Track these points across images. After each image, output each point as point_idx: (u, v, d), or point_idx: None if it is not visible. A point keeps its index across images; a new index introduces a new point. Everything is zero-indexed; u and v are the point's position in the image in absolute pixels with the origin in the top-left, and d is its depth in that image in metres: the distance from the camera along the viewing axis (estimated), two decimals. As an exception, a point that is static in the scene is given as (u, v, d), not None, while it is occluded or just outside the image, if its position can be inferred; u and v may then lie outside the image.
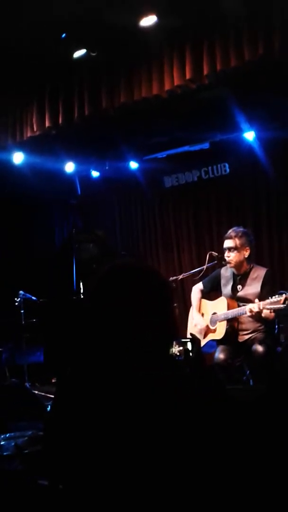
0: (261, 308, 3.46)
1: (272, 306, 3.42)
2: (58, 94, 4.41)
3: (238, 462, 1.07)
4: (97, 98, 4.19)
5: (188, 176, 5.98)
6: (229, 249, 3.74)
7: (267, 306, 3.44)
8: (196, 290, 4.10)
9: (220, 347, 3.75)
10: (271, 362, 3.43)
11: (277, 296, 3.41)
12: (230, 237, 3.76)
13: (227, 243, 3.76)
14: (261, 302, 3.48)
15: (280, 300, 3.37)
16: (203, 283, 4.09)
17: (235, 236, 3.74)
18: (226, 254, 3.76)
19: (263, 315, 3.52)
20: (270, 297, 3.46)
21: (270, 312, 3.47)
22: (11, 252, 6.33)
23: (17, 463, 1.89)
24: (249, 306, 3.52)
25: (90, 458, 1.09)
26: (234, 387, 3.29)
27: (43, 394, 4.49)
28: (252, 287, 3.71)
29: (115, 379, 1.11)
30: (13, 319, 5.20)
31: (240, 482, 1.06)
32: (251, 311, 3.49)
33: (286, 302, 3.34)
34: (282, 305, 3.36)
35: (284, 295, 3.37)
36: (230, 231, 3.82)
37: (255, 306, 3.48)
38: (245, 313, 3.56)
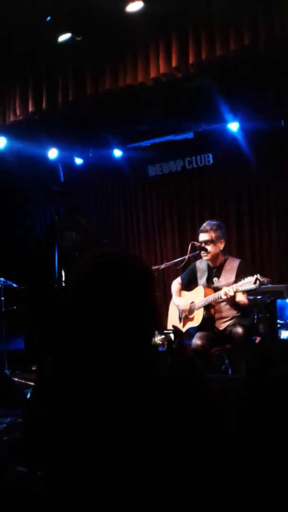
0: (235, 290, 3.52)
1: (244, 288, 3.50)
2: (42, 78, 4.34)
3: (221, 454, 1.08)
4: (82, 84, 4.14)
5: (172, 165, 5.99)
6: (205, 242, 3.79)
7: (240, 288, 3.51)
8: (175, 283, 4.18)
9: (197, 334, 3.80)
10: (250, 343, 3.50)
11: (249, 277, 3.48)
12: (205, 231, 3.81)
13: (203, 237, 3.81)
14: (235, 285, 3.54)
15: (251, 280, 3.45)
16: (181, 277, 4.16)
17: (211, 230, 3.80)
18: (203, 247, 3.80)
19: (237, 299, 3.58)
20: (242, 279, 3.52)
21: (243, 293, 3.54)
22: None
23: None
24: (224, 289, 3.58)
25: (69, 446, 1.09)
26: (213, 376, 3.33)
27: (23, 381, 4.48)
28: (227, 278, 3.78)
29: (96, 368, 1.11)
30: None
31: (223, 474, 1.08)
32: (226, 294, 3.55)
33: (257, 282, 3.41)
34: (253, 285, 3.44)
35: (255, 276, 3.44)
36: (204, 224, 3.87)
37: (229, 289, 3.54)
38: (221, 297, 3.61)
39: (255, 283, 3.43)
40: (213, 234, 3.78)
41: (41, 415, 1.19)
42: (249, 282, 3.47)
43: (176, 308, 4.09)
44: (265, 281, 3.47)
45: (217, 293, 3.69)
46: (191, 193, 5.94)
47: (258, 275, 3.47)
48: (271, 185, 5.42)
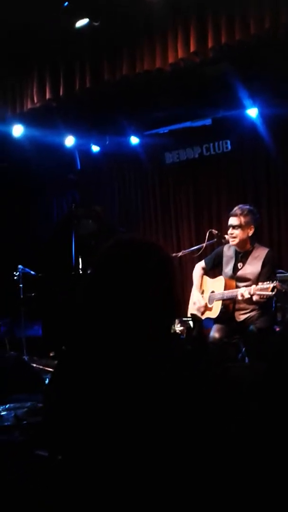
0: (251, 293, 3.47)
1: (261, 293, 3.42)
2: (59, 65, 4.31)
3: (218, 453, 1.08)
4: (99, 70, 4.11)
5: (189, 152, 5.93)
6: (233, 226, 3.70)
7: (257, 292, 3.44)
8: (198, 268, 4.09)
9: (215, 326, 3.77)
10: (268, 342, 3.45)
11: (267, 282, 3.42)
12: (235, 215, 3.72)
13: (232, 221, 3.72)
14: (253, 287, 3.48)
15: (269, 287, 3.38)
16: (205, 260, 4.09)
17: (240, 214, 3.69)
18: (230, 231, 3.73)
19: (254, 299, 3.52)
20: (263, 282, 3.46)
21: (260, 297, 3.47)
22: (10, 226, 6.31)
23: (17, 434, 1.92)
24: (240, 291, 3.53)
25: (89, 430, 1.10)
26: (231, 364, 3.32)
27: (41, 367, 4.54)
28: (253, 266, 3.70)
29: (115, 355, 1.11)
30: (11, 293, 5.21)
31: (243, 462, 1.07)
32: (242, 295, 3.51)
33: (274, 290, 3.35)
34: (270, 293, 3.37)
35: (274, 282, 3.38)
36: (236, 208, 3.76)
37: (246, 292, 3.49)
38: (237, 297, 3.57)
39: (272, 290, 3.36)
40: (242, 219, 3.67)
41: (62, 400, 1.20)
42: (266, 288, 3.38)
43: (195, 295, 4.07)
44: (283, 290, 3.40)
45: (234, 291, 3.64)
46: (208, 180, 5.89)
47: (276, 282, 3.40)
48: (290, 172, 5.34)
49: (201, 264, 4.09)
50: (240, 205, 3.79)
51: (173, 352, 1.18)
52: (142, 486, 1.02)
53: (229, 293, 3.68)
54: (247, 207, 3.79)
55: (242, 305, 3.70)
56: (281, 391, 1.21)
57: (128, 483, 1.03)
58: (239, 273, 3.75)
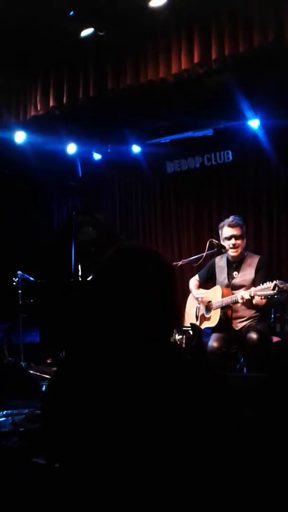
0: (252, 295, 3.50)
1: (263, 293, 3.46)
2: (63, 73, 4.35)
3: (218, 453, 1.08)
4: (103, 79, 4.14)
5: (191, 162, 5.96)
6: (236, 237, 3.77)
7: (258, 293, 3.47)
8: (193, 281, 4.15)
9: (214, 336, 3.78)
10: (265, 349, 3.46)
11: (268, 283, 3.44)
12: (237, 225, 3.80)
13: (235, 231, 3.78)
14: (253, 289, 3.51)
15: (270, 286, 3.41)
16: (198, 275, 4.14)
17: (238, 225, 3.80)
18: (233, 241, 3.77)
19: (254, 301, 3.56)
20: (261, 284, 3.49)
21: (262, 298, 3.50)
22: (10, 232, 6.31)
23: (15, 440, 1.91)
24: (241, 293, 3.57)
25: (88, 436, 1.10)
26: (230, 374, 3.31)
27: (38, 374, 4.52)
28: (247, 273, 3.76)
29: (114, 362, 1.11)
30: (10, 299, 5.20)
31: (243, 462, 1.07)
32: (242, 298, 3.54)
33: (276, 288, 3.37)
34: (272, 292, 3.40)
35: (274, 282, 3.40)
36: (232, 219, 3.83)
37: (246, 294, 3.52)
38: (237, 301, 3.60)
39: (273, 289, 3.39)
40: (242, 229, 3.81)
41: (61, 408, 1.19)
42: (267, 288, 3.42)
43: (194, 304, 4.08)
44: (285, 287, 3.41)
45: (233, 295, 3.67)
46: (209, 190, 5.91)
47: (278, 281, 3.42)
48: (291, 183, 5.36)
49: (195, 278, 4.15)
50: (233, 216, 3.89)
51: (173, 353, 1.17)
52: (142, 488, 1.02)
53: (228, 298, 3.71)
54: (240, 217, 3.92)
55: (240, 313, 3.73)
56: (281, 397, 1.21)
57: (128, 486, 1.02)
58: (234, 281, 3.80)
